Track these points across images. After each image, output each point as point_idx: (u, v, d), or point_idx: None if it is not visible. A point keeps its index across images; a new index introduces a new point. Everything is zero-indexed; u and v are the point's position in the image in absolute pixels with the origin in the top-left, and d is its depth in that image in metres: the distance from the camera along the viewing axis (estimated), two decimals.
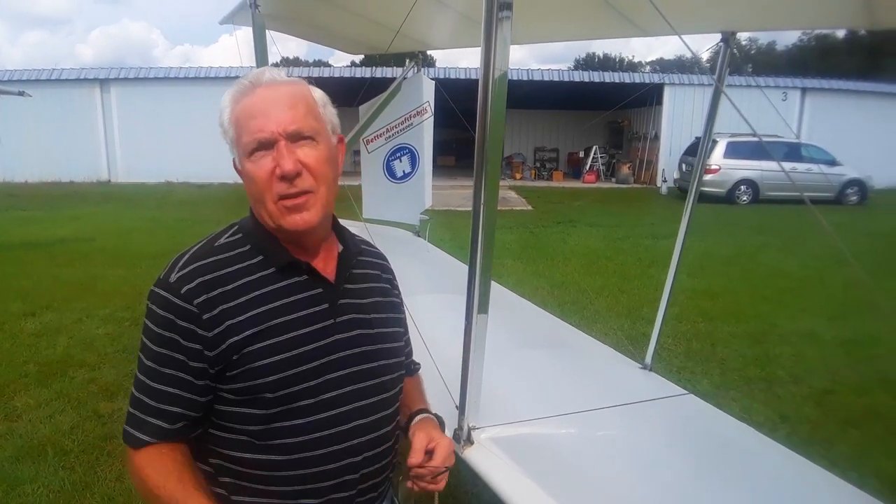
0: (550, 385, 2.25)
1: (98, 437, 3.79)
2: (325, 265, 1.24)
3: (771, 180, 16.56)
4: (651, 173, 21.88)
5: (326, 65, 33.92)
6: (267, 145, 1.13)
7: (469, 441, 1.66)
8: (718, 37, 2.32)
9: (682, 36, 1.97)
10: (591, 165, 22.89)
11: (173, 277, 1.14)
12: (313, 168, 1.15)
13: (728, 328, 6.18)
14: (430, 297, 2.85)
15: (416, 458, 1.25)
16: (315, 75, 20.79)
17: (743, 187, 16.76)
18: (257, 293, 1.15)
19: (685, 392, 2.40)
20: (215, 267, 1.16)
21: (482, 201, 1.52)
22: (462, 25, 3.35)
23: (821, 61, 41.03)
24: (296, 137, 1.14)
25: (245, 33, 3.84)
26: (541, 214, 13.85)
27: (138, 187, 19.01)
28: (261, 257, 1.19)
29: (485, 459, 1.61)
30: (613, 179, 22.62)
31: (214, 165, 20.08)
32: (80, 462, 3.52)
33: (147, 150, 20.39)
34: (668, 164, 20.56)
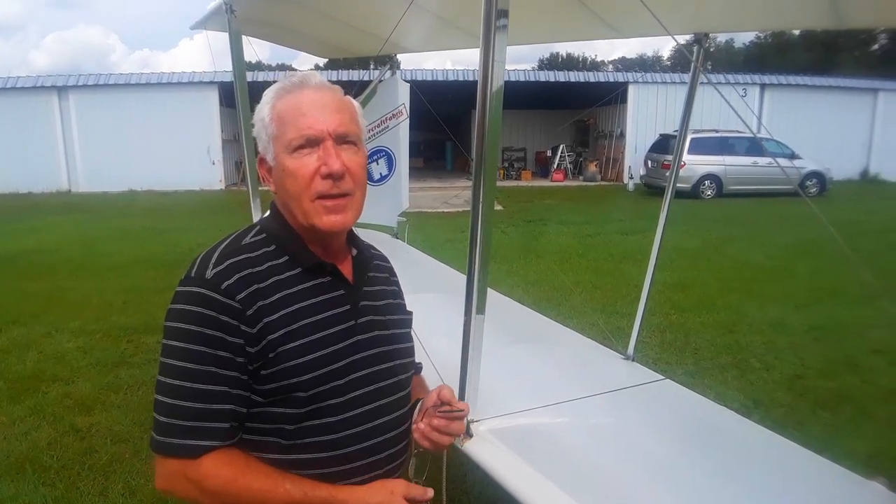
0: (541, 378, 2.31)
1: (77, 452, 3.72)
2: (344, 268, 1.27)
3: (734, 175, 17.03)
4: (617, 170, 22.25)
5: (290, 68, 33.63)
6: (313, 143, 1.16)
7: (469, 434, 1.70)
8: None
9: (656, 37, 2.04)
10: (558, 164, 23.15)
11: (209, 273, 1.12)
12: (355, 172, 1.18)
13: (699, 319, 6.35)
14: (416, 296, 2.87)
15: (431, 401, 1.30)
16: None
17: (707, 182, 17.18)
18: (287, 292, 1.16)
19: (666, 378, 2.49)
20: (249, 264, 1.16)
21: (480, 205, 1.55)
22: (437, 28, 3.40)
23: (778, 58, 42.21)
24: (342, 140, 1.17)
25: (210, 38, 3.83)
26: (511, 214, 13.97)
27: (101, 196, 18.59)
28: (286, 257, 1.20)
29: (485, 451, 1.65)
30: (581, 177, 22.92)
31: (180, 173, 19.92)
32: (60, 478, 3.45)
33: (109, 158, 19.94)
34: (633, 162, 20.95)
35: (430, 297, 3.07)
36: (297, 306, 1.16)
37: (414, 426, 1.31)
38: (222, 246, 1.20)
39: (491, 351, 1.80)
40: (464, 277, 1.70)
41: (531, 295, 7.08)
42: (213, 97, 20.09)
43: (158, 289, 7.45)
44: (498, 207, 15.58)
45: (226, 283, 1.11)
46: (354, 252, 1.32)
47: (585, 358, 2.75)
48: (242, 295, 1.11)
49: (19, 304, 6.94)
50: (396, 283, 1.44)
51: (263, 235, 1.23)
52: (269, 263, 1.18)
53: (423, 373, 1.95)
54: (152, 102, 20.23)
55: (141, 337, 5.77)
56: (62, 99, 20.36)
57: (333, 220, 1.18)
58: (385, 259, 1.45)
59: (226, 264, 1.14)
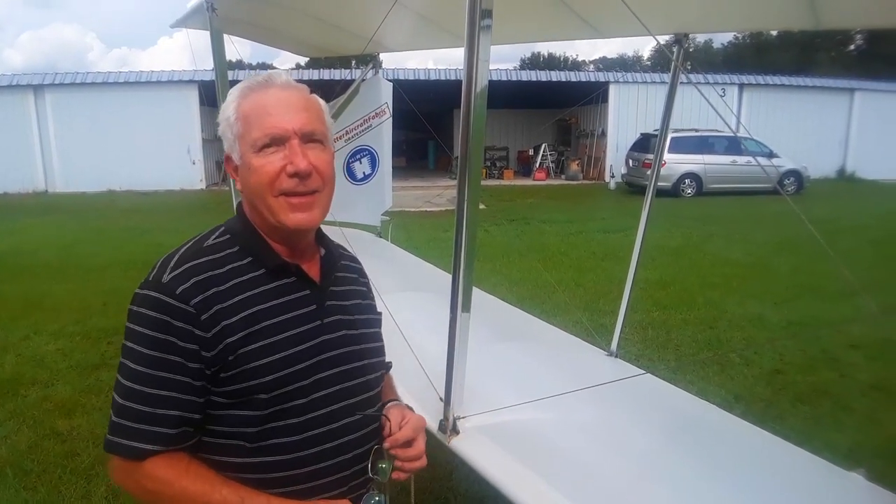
0: (526, 374, 2.33)
1: (59, 456, 3.66)
2: (311, 268, 1.27)
3: (713, 173, 17.25)
4: (599, 169, 22.40)
5: (271, 67, 33.40)
6: (279, 142, 1.16)
7: (455, 431, 1.71)
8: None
9: (636, 37, 2.06)
10: (540, 163, 23.24)
11: (166, 278, 1.12)
12: (322, 170, 1.19)
13: (680, 315, 6.42)
14: (401, 295, 2.88)
15: (388, 426, 1.26)
16: None
17: (687, 181, 17.35)
18: (249, 294, 1.16)
19: (647, 372, 2.53)
20: (208, 267, 1.15)
21: (465, 205, 1.56)
22: (420, 28, 3.40)
23: (756, 58, 42.78)
24: (308, 139, 1.18)
25: (190, 36, 3.80)
26: (494, 213, 14.00)
27: (79, 197, 18.25)
28: (250, 258, 1.20)
29: (471, 447, 1.67)
30: (563, 176, 23.03)
31: (159, 172, 19.67)
32: (42, 482, 3.40)
33: (87, 158, 19.59)
34: (615, 160, 21.09)
35: (415, 295, 3.08)
36: (258, 308, 1.16)
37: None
38: (183, 249, 1.20)
39: (476, 348, 1.82)
40: (448, 276, 1.71)
41: (515, 293, 7.10)
42: (193, 96, 19.83)
43: None
44: (481, 207, 15.56)
45: (181, 288, 1.11)
46: (323, 252, 1.32)
47: (570, 355, 2.78)
48: (198, 299, 1.11)
49: None
50: (366, 284, 1.44)
51: (227, 237, 1.23)
52: (232, 265, 1.18)
53: (411, 370, 1.96)
54: (131, 101, 19.94)
55: (122, 339, 5.69)
56: (38, 98, 19.96)
57: (300, 217, 1.18)
58: (355, 260, 1.44)
59: (184, 268, 1.14)
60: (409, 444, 1.26)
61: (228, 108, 1.21)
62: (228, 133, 1.21)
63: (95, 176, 19.38)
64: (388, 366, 1.44)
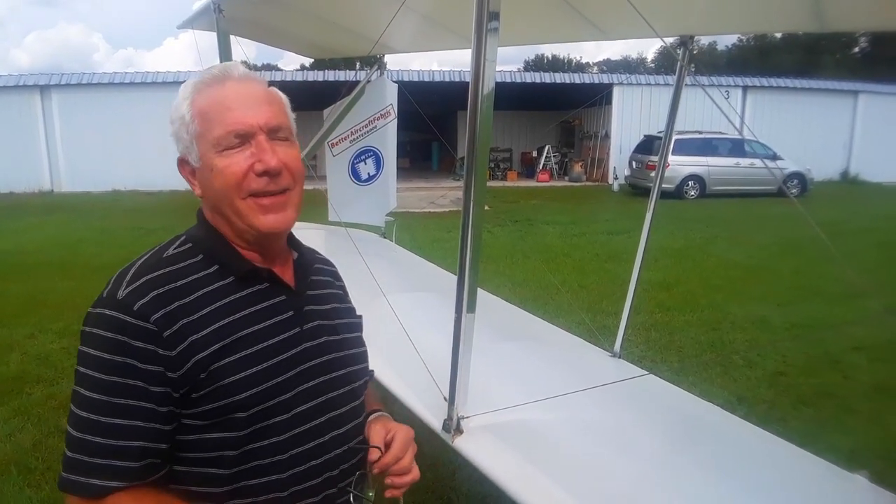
0: (530, 375, 2.34)
1: (63, 454, 3.68)
2: (284, 272, 1.17)
3: (717, 175, 17.23)
4: (602, 171, 22.38)
5: (276, 68, 33.44)
6: (243, 139, 1.07)
7: (459, 430, 1.72)
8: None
9: (642, 39, 2.07)
10: (544, 164, 23.23)
11: (121, 293, 1.01)
12: (292, 166, 1.10)
13: (684, 317, 6.42)
14: (405, 295, 2.90)
15: (374, 453, 1.18)
16: (267, 79, 20.49)
17: (691, 182, 17.33)
18: (218, 304, 1.05)
19: (651, 373, 2.54)
20: (169, 279, 1.04)
21: (471, 205, 1.57)
22: (425, 29, 3.41)
23: (760, 60, 42.71)
24: (274, 134, 1.09)
25: (197, 36, 3.82)
26: (498, 214, 14.01)
27: (84, 197, 18.32)
28: (216, 266, 1.09)
29: (475, 446, 1.67)
30: (566, 178, 23.02)
31: (164, 172, 19.67)
32: (45, 479, 3.42)
33: (92, 158, 19.67)
34: (618, 162, 21.08)
35: (419, 295, 3.09)
36: (230, 318, 1.05)
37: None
38: (140, 261, 1.09)
39: (480, 348, 1.82)
40: (452, 276, 1.72)
41: (518, 294, 7.10)
42: None
43: None
44: (485, 207, 15.59)
45: (139, 304, 1.00)
46: (295, 255, 1.23)
47: (573, 355, 2.79)
48: (159, 315, 1.00)
49: (1, 305, 6.85)
50: (342, 287, 1.35)
51: (189, 245, 1.12)
52: (196, 276, 1.07)
53: (415, 369, 1.97)
54: (137, 102, 19.97)
55: None
56: (45, 98, 20.06)
57: (273, 219, 1.09)
58: (328, 262, 1.35)
59: (141, 281, 1.03)
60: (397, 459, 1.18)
61: (182, 105, 1.10)
62: (184, 133, 1.10)
63: (101, 176, 19.47)
64: (370, 373, 1.33)
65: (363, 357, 1.28)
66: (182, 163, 1.13)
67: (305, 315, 1.15)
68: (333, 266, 1.36)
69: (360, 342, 1.28)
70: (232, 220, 1.09)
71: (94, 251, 10.04)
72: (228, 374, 1.02)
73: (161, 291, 1.02)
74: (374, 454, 1.17)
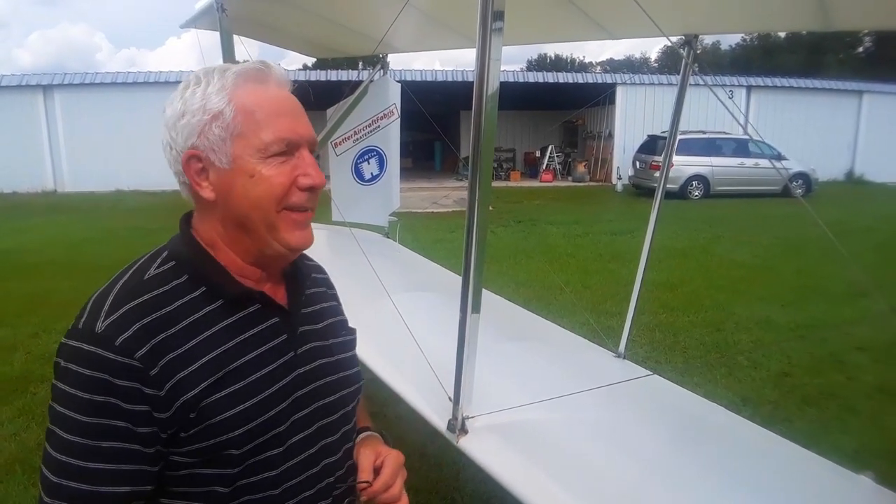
0: (534, 375, 2.34)
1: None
2: (276, 290, 1.08)
3: (721, 176, 17.20)
4: (606, 171, 22.36)
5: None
6: (291, 149, 0.99)
7: (464, 430, 1.72)
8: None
9: (643, 39, 2.07)
10: (547, 164, 23.22)
11: (100, 326, 0.90)
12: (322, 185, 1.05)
13: (688, 318, 6.41)
14: (408, 295, 2.89)
15: (364, 476, 1.11)
16: None
17: (695, 183, 17.30)
18: (207, 334, 0.96)
19: (658, 374, 2.54)
20: (153, 306, 0.94)
21: (476, 205, 1.57)
22: (429, 28, 3.41)
23: (764, 60, 42.64)
24: (312, 148, 1.04)
25: (199, 36, 3.82)
26: (501, 214, 14.00)
27: (87, 196, 18.38)
28: (203, 289, 0.99)
29: (479, 446, 1.67)
30: (570, 178, 23.00)
31: (167, 173, 19.54)
32: None
33: (95, 157, 19.72)
34: (622, 162, 21.06)
35: (423, 295, 3.09)
36: (221, 349, 0.96)
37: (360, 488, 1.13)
38: (119, 285, 0.97)
39: (484, 348, 1.82)
40: (455, 277, 1.72)
41: (522, 294, 7.10)
42: None
43: None
44: (488, 208, 15.58)
45: (121, 338, 0.89)
46: (288, 268, 1.12)
47: (578, 356, 2.78)
48: (143, 351, 0.90)
49: (4, 305, 6.86)
50: (335, 296, 1.25)
51: (172, 263, 1.00)
52: (181, 301, 0.96)
53: (420, 370, 1.96)
54: (139, 102, 19.97)
55: None
56: (48, 98, 20.12)
57: (301, 236, 1.02)
58: (320, 269, 1.26)
59: (122, 311, 0.92)
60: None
61: (213, 96, 0.98)
62: (212, 128, 0.97)
63: (104, 176, 19.51)
64: (361, 390, 1.23)
65: (356, 377, 1.19)
66: (193, 158, 0.99)
67: (299, 337, 1.07)
68: (325, 272, 1.27)
69: (353, 362, 1.20)
70: (257, 232, 1.00)
71: (98, 251, 10.06)
72: (220, 411, 0.94)
73: (145, 322, 0.91)
74: (364, 479, 1.12)
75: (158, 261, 1.01)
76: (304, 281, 1.13)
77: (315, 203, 1.03)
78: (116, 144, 19.67)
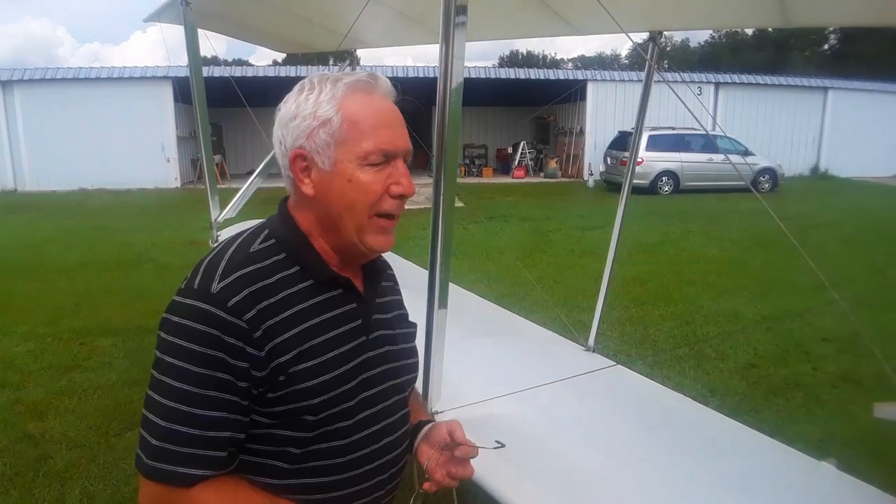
0: (503, 369, 2.34)
1: (31, 459, 3.60)
2: (355, 279, 1.19)
3: (690, 171, 17.47)
4: (578, 167, 22.55)
5: (247, 63, 33.03)
6: (388, 159, 1.09)
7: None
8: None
9: (612, 35, 2.08)
10: (519, 161, 23.32)
11: (215, 287, 1.01)
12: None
13: (658, 311, 6.50)
14: None
15: (440, 436, 1.23)
16: (237, 74, 20.20)
17: (665, 178, 17.55)
18: (299, 308, 1.07)
19: (623, 364, 2.57)
20: (258, 277, 1.05)
21: (441, 202, 1.57)
22: (397, 23, 3.39)
23: (732, 57, 43.39)
24: (407, 158, 1.13)
25: (164, 30, 3.76)
26: (473, 210, 14.03)
27: (49, 196, 17.87)
28: (297, 268, 1.10)
29: None
30: (542, 174, 23.14)
31: (132, 171, 19.34)
32: (14, 485, 3.34)
33: (57, 155, 19.12)
34: (593, 158, 21.25)
35: None
36: (309, 323, 1.08)
37: (425, 464, 1.22)
38: (229, 253, 1.08)
39: (454, 344, 1.82)
40: (426, 272, 1.71)
41: (493, 290, 7.12)
42: (168, 92, 19.47)
43: (112, 290, 7.24)
44: (459, 204, 15.62)
45: (233, 301, 1.01)
46: (367, 262, 1.24)
47: (547, 350, 2.80)
48: (251, 314, 1.01)
49: None
50: (400, 292, 1.37)
51: (273, 241, 1.12)
52: (280, 275, 1.08)
53: None
54: (103, 97, 19.53)
55: (95, 340, 5.60)
56: (7, 93, 19.46)
57: (384, 241, 1.14)
58: (389, 266, 1.36)
59: (233, 277, 1.03)
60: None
61: (324, 104, 1.08)
62: (319, 133, 1.07)
63: (67, 174, 18.97)
64: (416, 379, 1.36)
65: (415, 367, 1.32)
66: (299, 157, 1.09)
67: (372, 324, 1.18)
68: (391, 268, 1.36)
69: (413, 352, 1.32)
70: (346, 231, 1.11)
71: (62, 251, 9.81)
72: (303, 379, 1.05)
73: (253, 290, 1.03)
74: (441, 434, 1.22)
75: (261, 237, 1.12)
76: (381, 274, 1.25)
77: (402, 210, 1.14)
78: (80, 142, 19.14)
